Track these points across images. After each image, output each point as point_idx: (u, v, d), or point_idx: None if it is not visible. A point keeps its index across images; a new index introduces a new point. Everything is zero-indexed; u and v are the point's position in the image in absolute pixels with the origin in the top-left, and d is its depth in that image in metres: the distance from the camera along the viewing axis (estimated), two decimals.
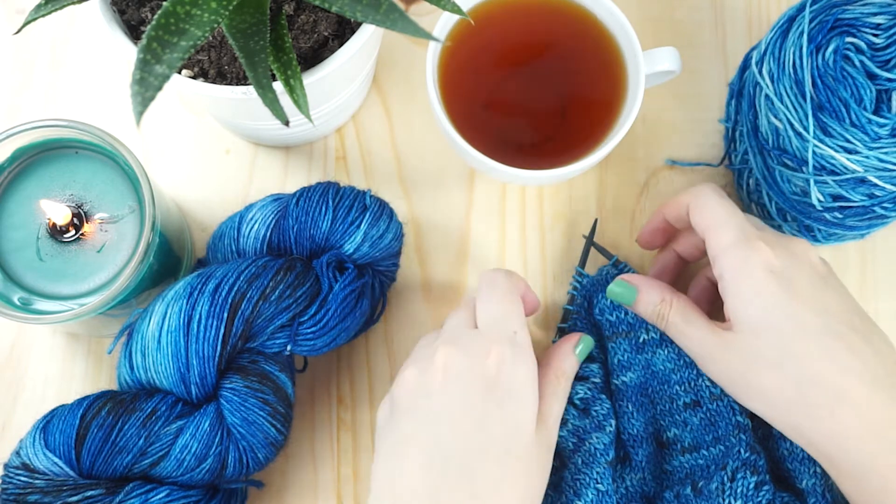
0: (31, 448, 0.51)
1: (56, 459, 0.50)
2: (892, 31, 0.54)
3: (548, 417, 0.50)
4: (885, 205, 0.55)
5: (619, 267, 0.59)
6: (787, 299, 0.48)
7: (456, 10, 0.46)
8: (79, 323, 0.52)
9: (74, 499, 0.49)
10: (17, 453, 0.51)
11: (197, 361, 0.51)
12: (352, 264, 0.56)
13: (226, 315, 0.52)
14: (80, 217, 0.54)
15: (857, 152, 0.53)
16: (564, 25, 0.60)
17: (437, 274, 0.63)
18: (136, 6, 0.52)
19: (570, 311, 0.60)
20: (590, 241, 0.60)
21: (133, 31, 0.52)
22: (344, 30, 0.53)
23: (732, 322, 0.49)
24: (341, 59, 0.50)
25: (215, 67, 0.52)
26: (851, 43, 0.54)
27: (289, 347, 0.54)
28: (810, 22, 0.55)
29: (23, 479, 0.50)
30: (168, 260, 0.57)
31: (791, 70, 0.55)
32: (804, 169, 0.55)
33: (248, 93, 0.49)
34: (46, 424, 0.51)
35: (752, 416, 0.54)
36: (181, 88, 0.51)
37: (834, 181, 0.54)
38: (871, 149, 0.52)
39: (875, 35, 0.55)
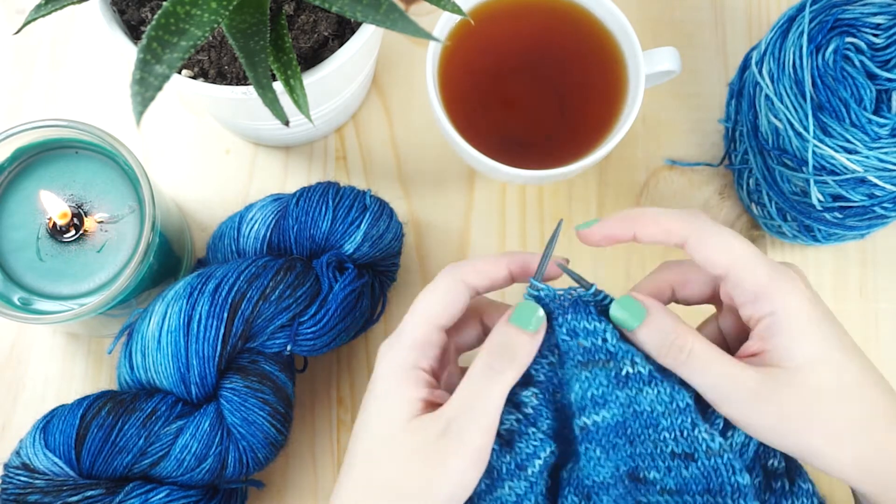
0: (31, 448, 0.51)
1: (56, 459, 0.50)
2: (892, 31, 0.54)
3: (447, 403, 0.45)
4: (885, 205, 0.55)
5: (598, 296, 0.48)
6: (832, 328, 0.45)
7: (456, 10, 0.46)
8: (79, 323, 0.52)
9: (74, 499, 0.49)
10: (17, 453, 0.51)
11: (197, 361, 0.51)
12: (352, 264, 0.56)
13: (226, 315, 0.52)
14: (80, 217, 0.54)
15: (857, 152, 0.53)
16: (564, 25, 0.60)
17: (437, 274, 0.63)
18: (136, 6, 0.52)
19: None
20: (550, 246, 0.49)
21: (133, 31, 0.52)
22: (344, 30, 0.53)
23: (784, 359, 0.45)
24: (341, 59, 0.50)
25: (215, 67, 0.52)
26: (851, 43, 0.54)
27: (289, 347, 0.54)
28: (810, 22, 0.55)
29: (23, 479, 0.50)
30: (168, 260, 0.57)
31: (791, 70, 0.55)
32: (804, 169, 0.55)
33: (248, 93, 0.49)
34: (46, 424, 0.51)
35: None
36: (181, 88, 0.51)
37: (834, 181, 0.54)
38: (871, 149, 0.52)
39: (875, 35, 0.55)
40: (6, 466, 0.51)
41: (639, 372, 0.46)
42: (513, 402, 0.47)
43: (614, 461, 0.48)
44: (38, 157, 0.55)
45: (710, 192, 0.65)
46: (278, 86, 0.47)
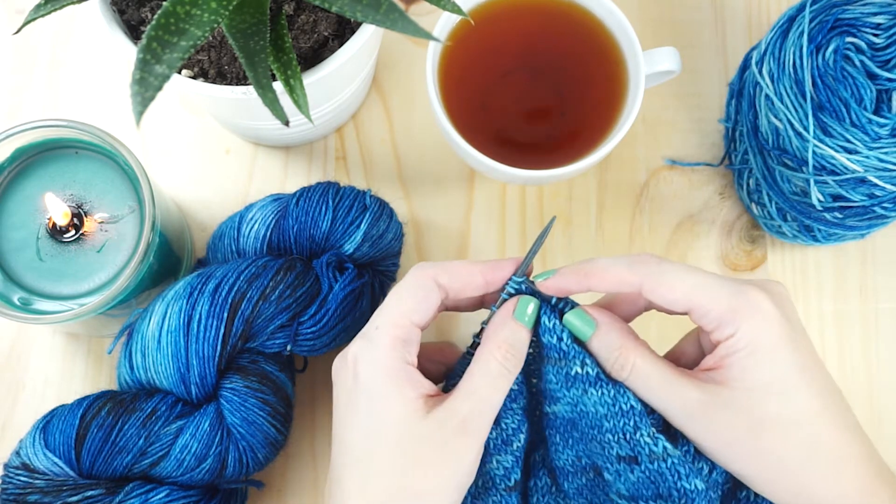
0: (31, 448, 0.51)
1: (56, 459, 0.50)
2: (892, 31, 0.54)
3: (458, 398, 0.45)
4: (885, 205, 0.55)
5: (561, 302, 0.49)
6: (796, 355, 0.45)
7: (456, 10, 0.46)
8: (79, 323, 0.52)
9: (74, 499, 0.49)
10: (17, 453, 0.51)
11: (197, 361, 0.51)
12: (352, 264, 0.56)
13: (226, 315, 0.52)
14: (80, 217, 0.54)
15: (857, 152, 0.53)
16: (564, 25, 0.60)
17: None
18: (136, 6, 0.52)
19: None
20: (538, 242, 0.49)
21: (133, 31, 0.52)
22: (344, 30, 0.53)
23: (737, 380, 0.45)
24: (341, 59, 0.50)
25: (215, 67, 0.52)
26: (851, 43, 0.54)
27: (289, 347, 0.54)
28: (810, 22, 0.55)
29: (23, 479, 0.50)
30: (168, 260, 0.57)
31: (791, 70, 0.55)
32: (804, 169, 0.55)
33: (248, 93, 0.49)
34: (46, 424, 0.51)
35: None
36: (181, 88, 0.51)
37: (834, 181, 0.54)
38: (871, 149, 0.52)
39: (875, 35, 0.55)
40: (6, 466, 0.51)
41: (587, 373, 0.47)
42: None
43: (574, 451, 0.49)
44: (38, 157, 0.55)
45: (710, 192, 0.65)
46: (278, 86, 0.47)
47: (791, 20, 0.56)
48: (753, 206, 0.62)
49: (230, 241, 0.57)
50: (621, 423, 0.47)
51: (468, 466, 0.45)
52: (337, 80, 0.54)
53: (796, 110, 0.54)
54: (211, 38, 0.51)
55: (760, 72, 0.56)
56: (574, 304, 0.48)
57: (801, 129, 0.54)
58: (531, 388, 0.50)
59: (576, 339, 0.48)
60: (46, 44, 0.66)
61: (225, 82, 0.51)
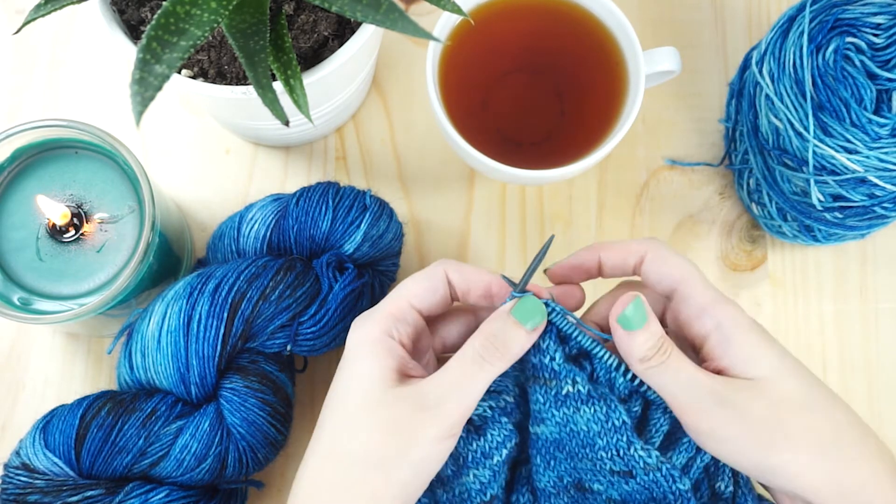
0: (31, 448, 0.51)
1: (56, 459, 0.50)
2: (892, 31, 0.54)
3: (429, 378, 0.45)
4: (885, 205, 0.55)
5: (562, 322, 0.47)
6: (780, 347, 0.46)
7: (456, 10, 0.46)
8: (79, 323, 0.52)
9: (74, 499, 0.49)
10: (17, 453, 0.51)
11: (197, 361, 0.51)
12: (352, 264, 0.56)
13: (226, 315, 0.52)
14: (79, 217, 0.54)
15: (857, 152, 0.53)
16: (564, 25, 0.60)
17: None
18: (136, 6, 0.52)
19: None
20: (537, 260, 0.48)
21: (133, 31, 0.52)
22: (344, 30, 0.53)
23: (744, 371, 0.45)
24: (341, 59, 0.50)
25: (215, 67, 0.52)
26: (852, 43, 0.54)
27: (289, 347, 0.54)
28: (810, 22, 0.55)
29: (23, 479, 0.50)
30: (168, 260, 0.57)
31: (791, 70, 0.55)
32: (804, 169, 0.55)
33: (247, 93, 0.49)
34: (46, 424, 0.51)
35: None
36: (181, 88, 0.51)
37: (834, 181, 0.54)
38: (871, 149, 0.52)
39: (875, 35, 0.55)
40: (6, 466, 0.51)
41: (578, 391, 0.46)
42: (491, 390, 0.48)
43: (556, 472, 0.48)
44: (38, 157, 0.55)
45: (710, 192, 0.65)
46: (278, 86, 0.47)
47: (791, 20, 0.56)
48: (753, 206, 0.62)
49: (230, 241, 0.57)
50: (615, 440, 0.46)
51: (424, 445, 0.44)
52: (337, 80, 0.54)
53: (796, 110, 0.54)
54: (211, 38, 0.51)
55: (760, 72, 0.56)
56: (564, 315, 0.47)
57: (801, 129, 0.54)
58: (526, 404, 0.49)
59: (570, 358, 0.47)
60: (46, 44, 0.66)
61: (225, 82, 0.51)
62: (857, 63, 0.54)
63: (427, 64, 0.56)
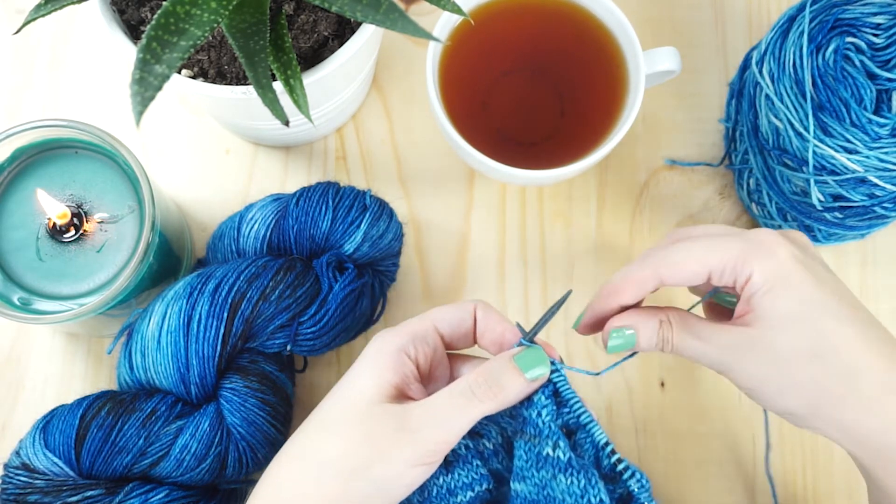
0: (31, 448, 0.51)
1: (56, 459, 0.50)
2: (892, 31, 0.54)
3: (417, 402, 0.45)
4: (885, 205, 0.55)
5: (557, 378, 0.47)
6: (818, 289, 0.45)
7: (456, 10, 0.46)
8: (79, 323, 0.52)
9: (74, 499, 0.49)
10: (17, 453, 0.51)
11: (197, 361, 0.51)
12: (352, 264, 0.56)
13: (226, 315, 0.52)
14: (79, 217, 0.54)
15: (857, 152, 0.53)
16: (564, 25, 0.60)
17: (437, 274, 0.63)
18: (136, 6, 0.52)
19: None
20: (551, 312, 0.47)
21: (133, 31, 0.52)
22: (344, 30, 0.53)
23: (761, 320, 0.46)
24: (341, 58, 0.50)
25: (215, 67, 0.52)
26: (851, 43, 0.54)
27: (289, 347, 0.54)
28: (810, 22, 0.55)
29: (23, 479, 0.50)
30: (168, 260, 0.57)
31: (791, 70, 0.55)
32: (804, 169, 0.55)
33: (247, 93, 0.49)
34: (46, 424, 0.51)
35: None
36: (181, 88, 0.51)
37: (834, 181, 0.54)
38: (871, 149, 0.52)
39: (875, 35, 0.55)
40: (6, 466, 0.51)
41: (558, 457, 0.45)
42: (473, 429, 0.47)
43: None
44: (38, 157, 0.55)
45: (710, 192, 0.65)
46: (278, 86, 0.47)
47: (791, 20, 0.56)
48: (753, 206, 0.62)
49: (230, 241, 0.57)
50: None
51: (395, 466, 0.44)
52: (337, 80, 0.54)
53: (796, 110, 0.54)
54: (211, 38, 0.51)
55: (760, 72, 0.56)
56: (561, 374, 0.46)
57: (801, 129, 0.54)
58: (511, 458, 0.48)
59: (564, 427, 0.46)
60: (46, 44, 0.66)
61: (225, 82, 0.51)
62: (857, 63, 0.54)
63: (427, 64, 0.56)
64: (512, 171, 0.55)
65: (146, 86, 0.40)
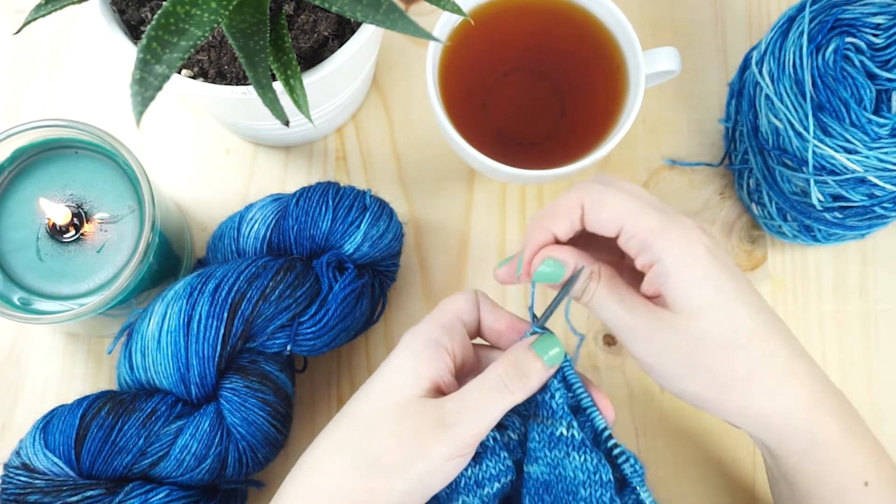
0: (31, 448, 0.51)
1: (56, 459, 0.50)
2: (892, 31, 0.54)
3: (450, 397, 0.46)
4: (885, 205, 0.55)
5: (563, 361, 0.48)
6: (730, 278, 0.46)
7: (456, 10, 0.46)
8: (79, 323, 0.52)
9: (74, 499, 0.49)
10: (17, 453, 0.51)
11: (197, 361, 0.51)
12: (352, 264, 0.56)
13: (226, 315, 0.52)
14: (80, 217, 0.54)
15: (857, 152, 0.53)
16: (564, 25, 0.60)
17: (437, 274, 0.63)
18: (136, 6, 0.52)
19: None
20: (561, 295, 0.48)
21: (133, 31, 0.52)
22: (344, 30, 0.53)
23: (675, 304, 0.46)
24: (341, 59, 0.50)
25: (215, 67, 0.52)
26: (851, 43, 0.54)
27: (289, 347, 0.54)
28: (810, 22, 0.55)
29: (23, 479, 0.50)
30: (168, 260, 0.57)
31: (791, 70, 0.55)
32: (804, 169, 0.55)
33: (247, 93, 0.49)
34: (46, 424, 0.51)
35: None
36: (181, 88, 0.51)
37: (834, 181, 0.54)
38: (871, 149, 0.52)
39: (875, 35, 0.55)
40: (6, 466, 0.51)
41: (572, 436, 0.47)
42: (500, 423, 0.48)
43: None
44: (38, 157, 0.55)
45: (710, 192, 0.65)
46: (278, 86, 0.47)
47: (791, 20, 0.56)
48: (753, 206, 0.62)
49: (230, 241, 0.57)
50: (598, 493, 0.46)
51: (434, 461, 0.45)
52: (337, 80, 0.54)
53: (796, 110, 0.54)
54: (211, 38, 0.51)
55: (760, 72, 0.56)
56: (567, 359, 0.48)
57: (801, 129, 0.54)
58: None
59: (572, 409, 0.47)
60: (46, 44, 0.66)
61: (225, 82, 0.51)
62: (857, 63, 0.54)
63: (427, 64, 0.56)
64: (512, 171, 0.55)
65: (146, 86, 0.40)
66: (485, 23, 0.58)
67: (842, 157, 0.53)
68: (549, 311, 0.48)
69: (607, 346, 0.62)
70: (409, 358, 0.47)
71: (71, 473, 0.50)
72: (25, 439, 0.52)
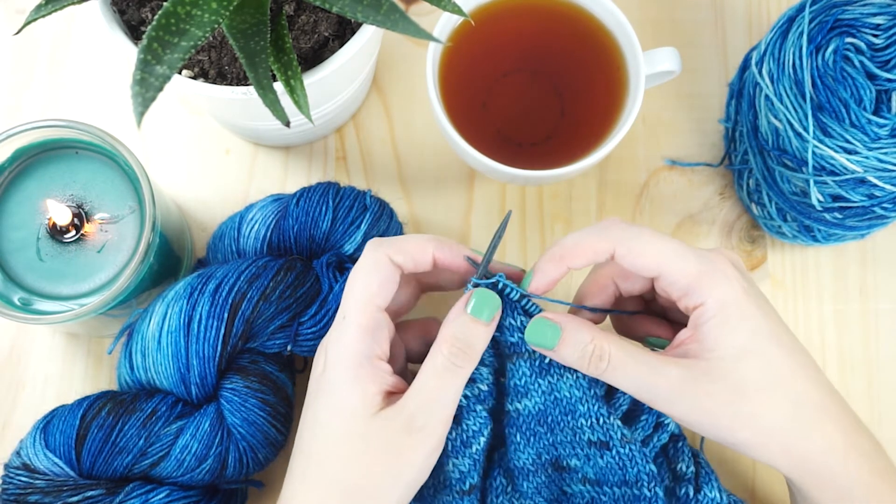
0: (32, 448, 0.51)
1: (56, 460, 0.50)
2: (891, 32, 0.54)
3: (408, 395, 0.45)
4: (884, 205, 0.55)
5: (524, 301, 0.48)
6: (766, 320, 0.46)
7: (456, 10, 0.46)
8: (79, 323, 0.52)
9: (74, 499, 0.49)
10: (18, 453, 0.51)
11: (197, 362, 0.51)
12: (352, 264, 0.56)
13: (226, 315, 0.52)
14: (80, 217, 0.54)
15: (856, 152, 0.53)
16: (564, 25, 0.60)
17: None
18: (137, 6, 0.52)
19: None
20: (495, 241, 0.48)
21: (133, 32, 0.52)
22: (344, 30, 0.53)
23: (715, 348, 0.45)
24: (342, 59, 0.51)
25: (215, 68, 0.52)
26: (851, 43, 0.54)
27: (289, 347, 0.54)
28: (810, 22, 0.55)
29: (23, 479, 0.50)
30: (168, 260, 0.57)
31: (791, 70, 0.55)
32: (804, 169, 0.55)
33: (248, 93, 0.49)
34: (46, 424, 0.51)
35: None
36: (181, 89, 0.51)
37: (834, 181, 0.54)
38: (870, 149, 0.52)
39: (875, 35, 0.55)
40: (6, 466, 0.51)
41: None
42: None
43: (535, 448, 0.49)
44: (38, 157, 0.55)
45: (710, 192, 0.65)
46: (278, 86, 0.47)
47: (791, 20, 0.56)
48: (753, 206, 0.62)
49: (230, 241, 0.57)
50: (595, 407, 0.47)
51: (417, 465, 0.45)
52: (337, 80, 0.54)
53: (796, 110, 0.54)
54: (211, 39, 0.51)
55: (760, 72, 0.56)
56: (531, 302, 0.48)
57: (800, 130, 0.54)
58: (500, 388, 0.50)
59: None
60: (46, 44, 0.66)
61: (225, 82, 0.51)
62: (857, 63, 0.54)
63: (427, 64, 0.56)
64: (512, 171, 0.55)
65: (147, 86, 0.40)
66: (485, 23, 0.58)
67: (841, 158, 0.53)
68: (486, 260, 0.48)
69: None
70: (350, 379, 0.45)
71: (71, 474, 0.50)
72: (26, 439, 0.52)
